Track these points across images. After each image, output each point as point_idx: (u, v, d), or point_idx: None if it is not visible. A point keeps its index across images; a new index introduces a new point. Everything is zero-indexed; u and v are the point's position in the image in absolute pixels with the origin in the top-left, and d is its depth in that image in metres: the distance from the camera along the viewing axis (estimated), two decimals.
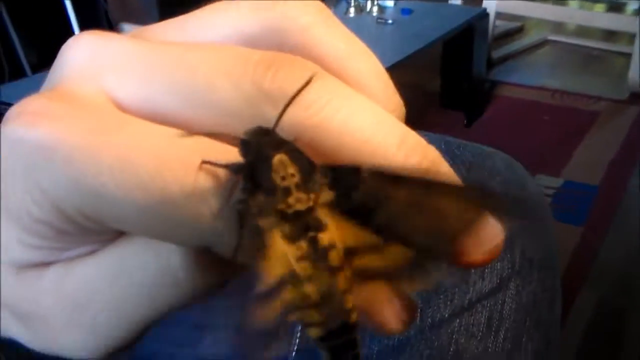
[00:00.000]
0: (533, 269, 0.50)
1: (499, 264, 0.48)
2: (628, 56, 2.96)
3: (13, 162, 0.20)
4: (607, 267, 1.83)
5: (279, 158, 0.17)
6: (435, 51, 2.50)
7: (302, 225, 0.17)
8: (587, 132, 2.56)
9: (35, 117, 0.19)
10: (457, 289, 0.47)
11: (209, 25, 0.23)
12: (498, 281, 0.48)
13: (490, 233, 0.20)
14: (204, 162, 0.18)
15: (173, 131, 0.19)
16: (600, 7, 3.33)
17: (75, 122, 0.19)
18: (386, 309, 0.19)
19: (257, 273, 0.17)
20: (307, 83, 0.18)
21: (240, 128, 0.19)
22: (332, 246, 0.17)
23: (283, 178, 0.17)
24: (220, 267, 0.20)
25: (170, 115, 0.20)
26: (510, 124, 2.62)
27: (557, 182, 2.19)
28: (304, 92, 0.18)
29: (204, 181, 0.18)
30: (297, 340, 0.50)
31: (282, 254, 0.17)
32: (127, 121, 0.20)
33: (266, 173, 0.17)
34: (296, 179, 0.17)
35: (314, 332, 0.18)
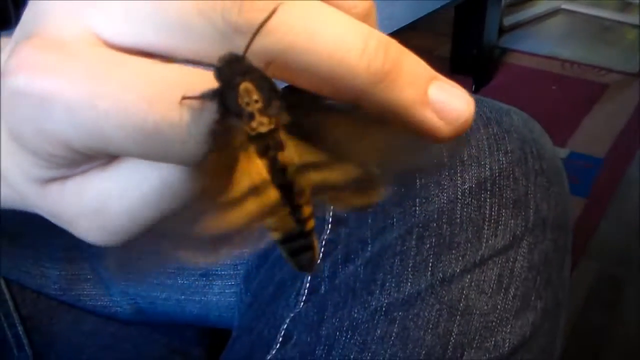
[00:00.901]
0: (546, 229, 0.49)
1: (512, 220, 0.48)
2: None
3: (19, 110, 0.22)
4: (607, 239, 1.83)
5: (244, 86, 0.19)
6: (448, 16, 2.47)
7: (264, 145, 0.19)
8: (595, 103, 2.55)
9: (33, 69, 0.22)
10: (469, 245, 0.46)
11: None
12: (511, 238, 0.47)
13: (454, 106, 0.22)
14: (184, 97, 0.20)
15: (157, 66, 0.22)
16: None
17: (70, 71, 0.21)
18: None
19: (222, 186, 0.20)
20: (272, 14, 0.20)
21: (217, 57, 0.21)
22: (290, 162, 0.19)
23: (247, 104, 0.19)
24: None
25: (153, 48, 0.22)
26: (517, 91, 2.60)
27: (563, 152, 2.18)
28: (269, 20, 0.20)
29: (185, 113, 0.21)
30: (306, 291, 0.49)
31: (247, 169, 0.19)
32: (115, 63, 0.22)
33: (234, 99, 0.19)
34: (259, 104, 0.19)
35: (275, 236, 0.20)
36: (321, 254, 0.48)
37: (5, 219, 0.57)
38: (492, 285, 0.46)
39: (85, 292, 0.61)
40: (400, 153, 0.22)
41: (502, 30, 3.04)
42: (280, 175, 0.20)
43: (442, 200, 0.47)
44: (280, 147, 0.20)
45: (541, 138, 0.53)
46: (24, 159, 0.24)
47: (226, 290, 0.58)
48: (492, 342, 0.45)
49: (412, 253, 0.46)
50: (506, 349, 0.45)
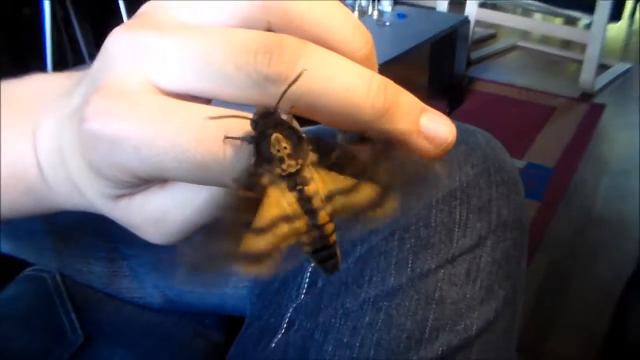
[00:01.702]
0: (507, 230, 0.48)
1: (478, 224, 0.47)
2: (580, 62, 2.94)
3: (96, 148, 0.23)
4: (558, 236, 1.82)
5: (275, 136, 0.20)
6: (425, 51, 2.47)
7: (293, 182, 0.20)
8: (546, 123, 2.55)
9: (105, 116, 0.23)
10: (442, 245, 0.46)
11: (213, 11, 0.24)
12: (477, 239, 0.47)
13: (440, 132, 0.24)
14: (227, 137, 0.22)
15: (204, 111, 0.23)
16: (559, 20, 3.31)
17: (134, 116, 0.22)
18: None
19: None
20: (297, 78, 0.21)
21: (254, 101, 0.22)
22: (315, 193, 0.20)
23: (278, 150, 0.20)
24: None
25: (200, 93, 0.23)
26: (484, 113, 2.61)
27: (521, 163, 2.18)
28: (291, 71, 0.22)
29: (228, 149, 0.22)
30: (306, 285, 0.49)
31: (278, 201, 0.20)
32: (170, 108, 0.23)
33: (266, 147, 0.20)
34: (287, 150, 0.20)
35: (306, 249, 0.21)
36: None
37: (60, 226, 0.57)
38: (461, 278, 0.45)
39: (124, 286, 0.60)
40: (406, 174, 0.23)
41: (469, 63, 3.05)
42: (307, 204, 0.20)
43: (419, 207, 0.46)
44: (305, 182, 0.21)
45: (501, 154, 0.52)
46: (98, 182, 0.25)
47: (239, 285, 0.58)
48: (462, 326, 0.44)
49: (394, 252, 0.45)
50: (474, 331, 0.44)
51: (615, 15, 2.91)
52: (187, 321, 0.61)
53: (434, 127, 0.24)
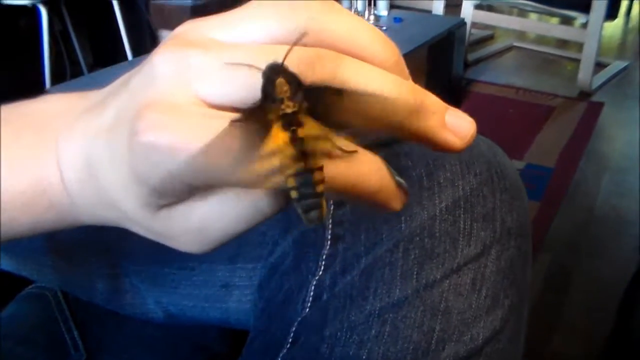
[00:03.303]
0: (511, 238, 0.48)
1: (482, 232, 0.46)
2: (578, 61, 2.95)
3: (150, 159, 0.24)
4: (559, 235, 1.82)
5: (279, 80, 0.22)
6: (422, 54, 2.48)
7: (288, 122, 0.22)
8: (544, 123, 2.55)
9: (160, 129, 0.24)
10: (447, 255, 0.45)
11: (247, 31, 0.26)
12: (482, 248, 0.46)
13: (463, 127, 0.26)
14: (233, 121, 0.23)
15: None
16: (555, 20, 3.32)
17: (186, 128, 0.24)
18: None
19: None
20: (301, 37, 0.24)
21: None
22: (308, 137, 0.22)
23: (280, 93, 0.22)
24: (285, 201, 0.25)
25: (239, 104, 0.24)
26: (482, 115, 2.60)
27: (520, 164, 2.18)
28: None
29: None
30: (310, 298, 0.48)
31: (277, 137, 0.22)
32: (218, 119, 0.23)
33: (271, 88, 0.22)
34: (288, 93, 0.22)
35: (292, 195, 0.22)
36: (323, 266, 0.47)
37: (61, 243, 0.56)
38: (467, 288, 0.45)
39: (126, 302, 0.60)
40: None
41: (467, 65, 3.05)
42: (299, 145, 0.22)
43: (423, 218, 0.46)
44: (300, 124, 0.22)
45: (503, 160, 0.51)
46: (143, 193, 0.26)
47: (242, 299, 0.57)
48: (469, 336, 0.44)
49: (399, 264, 0.45)
50: (480, 341, 0.44)
51: (611, 13, 2.91)
52: (189, 335, 0.61)
53: (458, 122, 0.26)
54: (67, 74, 2.49)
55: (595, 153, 2.34)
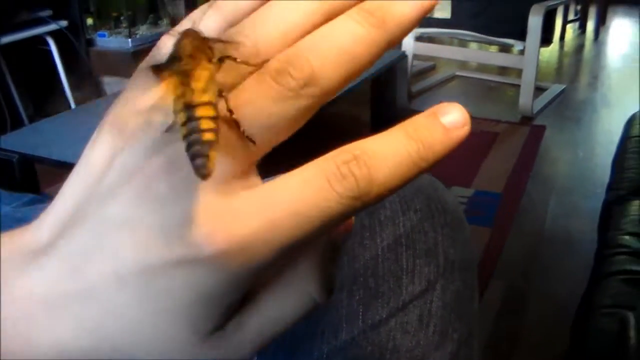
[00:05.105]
0: (455, 271, 0.48)
1: (426, 268, 0.47)
2: (518, 87, 3.04)
3: (227, 265, 0.22)
4: (511, 259, 1.85)
5: (183, 42, 0.24)
6: (366, 87, 2.51)
7: (186, 76, 0.23)
8: (490, 149, 2.60)
9: (226, 228, 0.22)
10: (392, 294, 0.45)
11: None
12: (426, 283, 0.46)
13: (458, 119, 0.24)
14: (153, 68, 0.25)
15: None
16: (494, 48, 3.41)
17: (248, 212, 0.22)
18: None
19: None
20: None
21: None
22: (198, 90, 0.23)
23: (182, 52, 0.24)
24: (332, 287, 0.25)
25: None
26: None
27: (468, 191, 2.21)
28: None
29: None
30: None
31: (175, 86, 0.23)
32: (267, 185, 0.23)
33: (175, 48, 0.24)
34: (188, 53, 0.24)
35: (184, 142, 0.23)
36: None
37: None
38: (414, 325, 0.45)
39: None
40: None
41: (411, 96, 3.10)
42: (188, 96, 0.23)
43: (365, 258, 0.46)
44: (193, 78, 0.23)
45: (444, 194, 0.52)
46: (194, 321, 0.23)
47: None
48: None
49: (344, 304, 0.45)
50: None
51: (546, 39, 3.03)
52: None
53: (452, 118, 0.24)
54: (7, 125, 2.43)
55: (540, 175, 2.40)
